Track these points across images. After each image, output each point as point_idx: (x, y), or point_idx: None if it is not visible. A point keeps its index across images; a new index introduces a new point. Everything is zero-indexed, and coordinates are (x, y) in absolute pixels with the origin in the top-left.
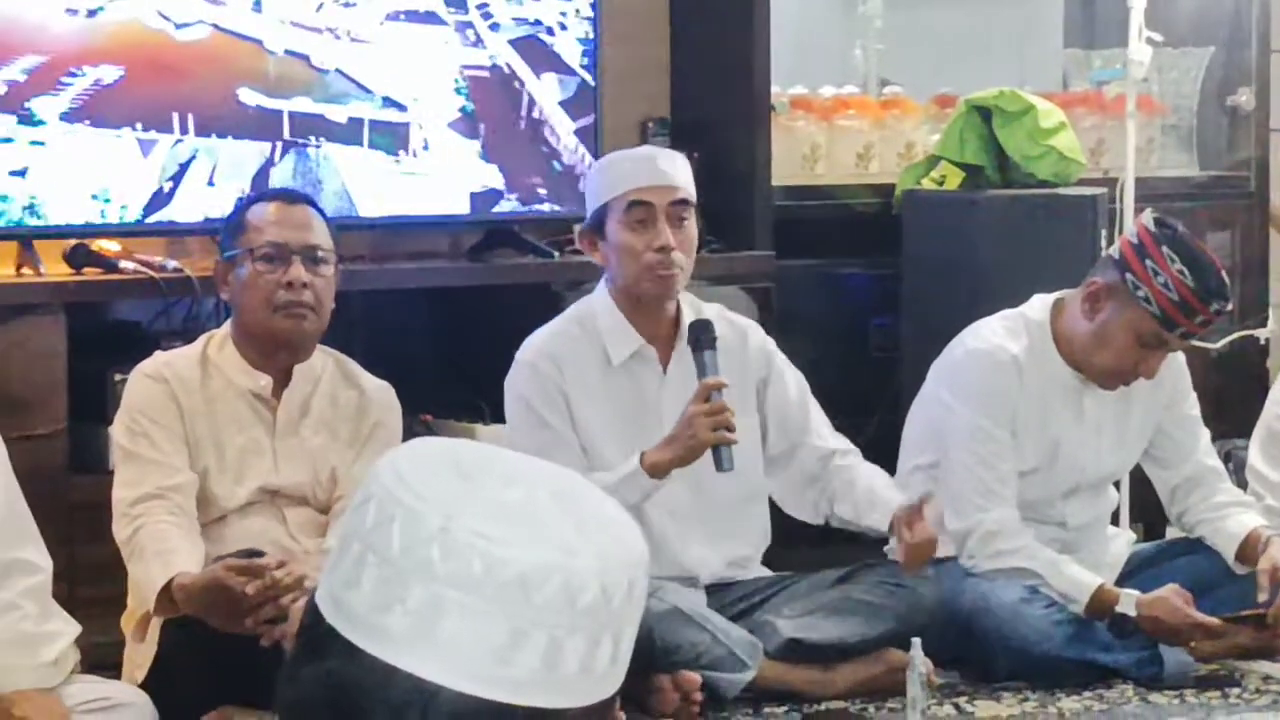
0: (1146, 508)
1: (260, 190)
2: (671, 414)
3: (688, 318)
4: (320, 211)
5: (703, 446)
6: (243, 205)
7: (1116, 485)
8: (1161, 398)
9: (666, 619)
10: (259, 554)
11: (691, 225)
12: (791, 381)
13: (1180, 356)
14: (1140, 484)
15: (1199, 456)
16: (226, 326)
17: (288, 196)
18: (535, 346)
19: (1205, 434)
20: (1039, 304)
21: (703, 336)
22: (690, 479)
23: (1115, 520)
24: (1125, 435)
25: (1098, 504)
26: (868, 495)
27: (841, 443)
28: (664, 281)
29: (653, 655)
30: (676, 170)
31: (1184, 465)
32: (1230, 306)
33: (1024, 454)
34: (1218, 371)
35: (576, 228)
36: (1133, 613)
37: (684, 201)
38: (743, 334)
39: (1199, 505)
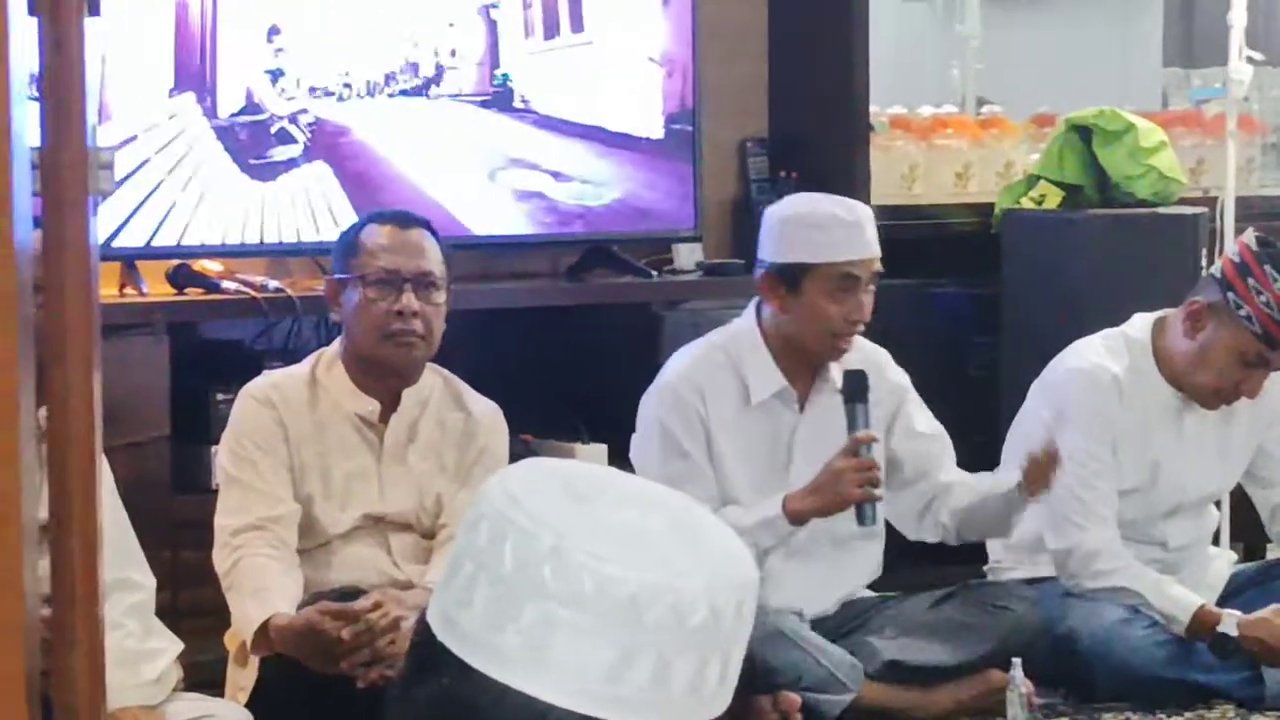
0: (1247, 528)
1: (373, 211)
2: (802, 455)
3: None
4: (435, 235)
5: (848, 502)
6: (357, 225)
7: (1217, 505)
8: (1264, 416)
9: (768, 641)
10: (356, 594)
11: (873, 291)
12: (921, 417)
13: None
14: (1241, 504)
15: None
16: (336, 345)
17: (402, 220)
18: (680, 372)
19: None
20: (1140, 323)
21: (857, 388)
22: (817, 520)
23: (1216, 540)
24: (1227, 455)
25: (1199, 524)
26: (976, 481)
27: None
28: (842, 350)
29: (754, 676)
30: (874, 236)
31: None
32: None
33: (1125, 474)
34: None
35: (757, 268)
36: (1235, 633)
37: (879, 271)
38: (877, 366)
39: None
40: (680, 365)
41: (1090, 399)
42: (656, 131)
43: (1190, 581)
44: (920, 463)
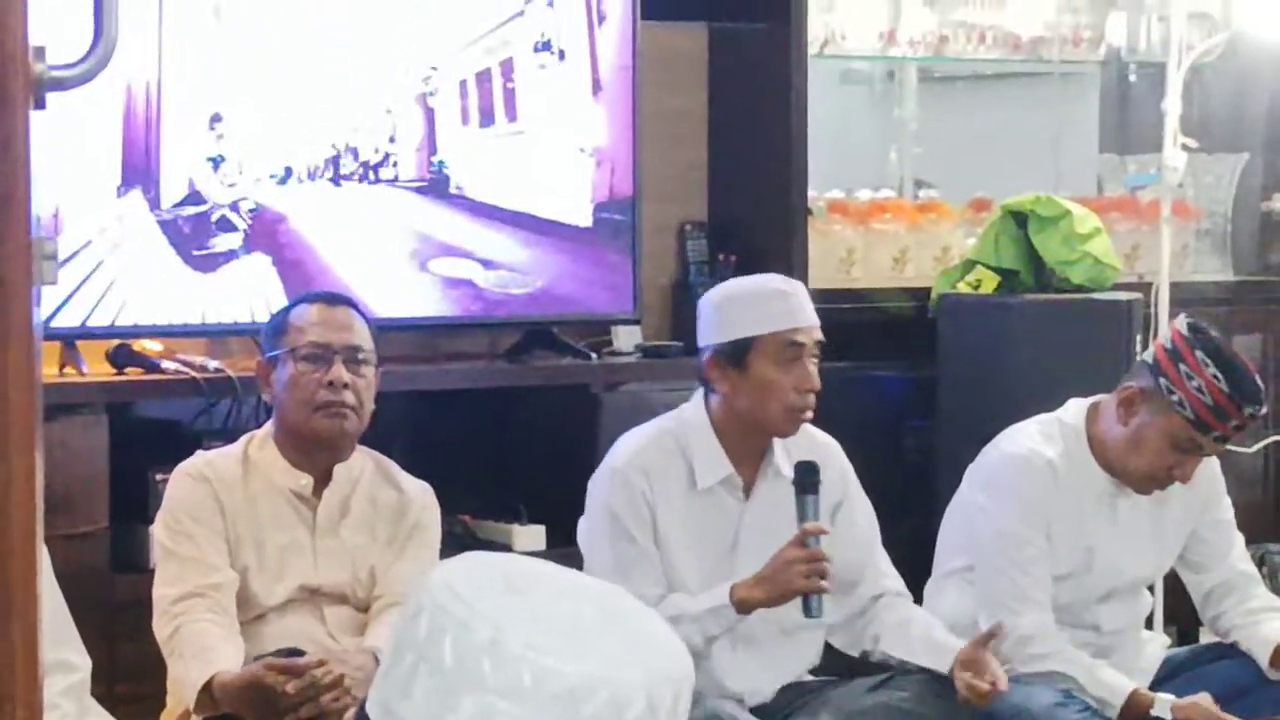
0: (1180, 612)
1: (303, 292)
2: (747, 543)
3: (776, 447)
4: (362, 313)
5: (795, 592)
6: (285, 307)
7: (1151, 589)
8: (1196, 502)
9: None
10: (299, 653)
11: (816, 364)
12: (862, 511)
13: (1214, 461)
14: (1174, 588)
15: (1233, 561)
16: (268, 427)
17: (330, 299)
18: (628, 456)
19: (1239, 539)
20: (1074, 409)
21: (808, 479)
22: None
23: (1150, 624)
24: (1161, 539)
25: (1133, 608)
26: (924, 637)
27: (898, 584)
28: (799, 422)
29: None
30: (812, 308)
31: (1218, 570)
32: (1265, 411)
33: (1059, 559)
34: (1251, 477)
35: (700, 355)
36: (1168, 717)
37: (821, 342)
38: (824, 454)
39: (1233, 610)
40: (628, 449)
41: (1025, 484)
42: (586, 219)
43: (1123, 665)
44: (857, 559)
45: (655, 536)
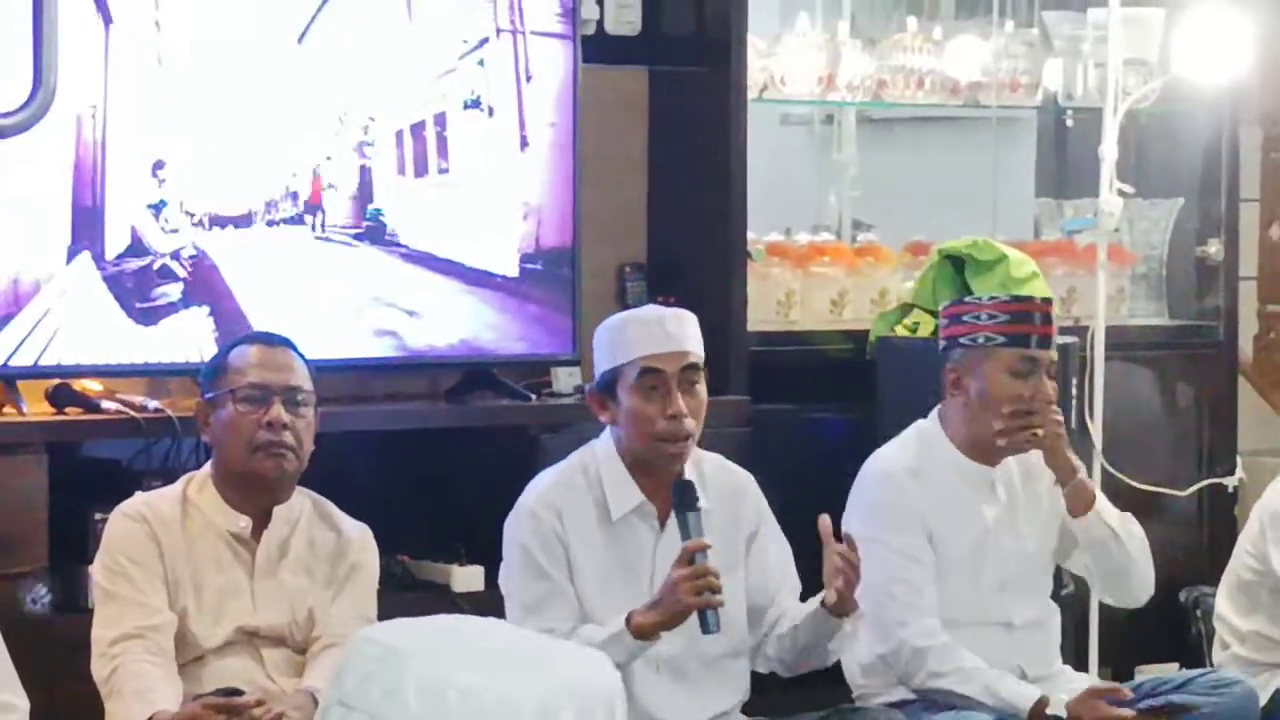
0: (1115, 651)
1: (242, 333)
2: (664, 569)
3: (689, 472)
4: (300, 355)
5: (687, 610)
6: (225, 348)
7: (1059, 585)
8: (1058, 501)
9: None
10: (238, 692)
11: (702, 388)
12: (774, 544)
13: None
14: (1109, 631)
15: None
16: (206, 468)
17: (268, 340)
18: (537, 494)
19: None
20: (928, 419)
21: (685, 497)
22: (680, 633)
23: (1085, 665)
24: (1038, 517)
25: (1036, 600)
26: (796, 606)
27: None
28: (674, 452)
29: None
30: (685, 333)
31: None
32: (1053, 296)
33: (949, 554)
34: (1186, 519)
35: (585, 386)
36: (1063, 714)
37: (694, 366)
38: (739, 487)
39: None
40: (538, 488)
41: (886, 494)
42: (513, 270)
43: (1040, 669)
44: (768, 590)
45: (570, 572)
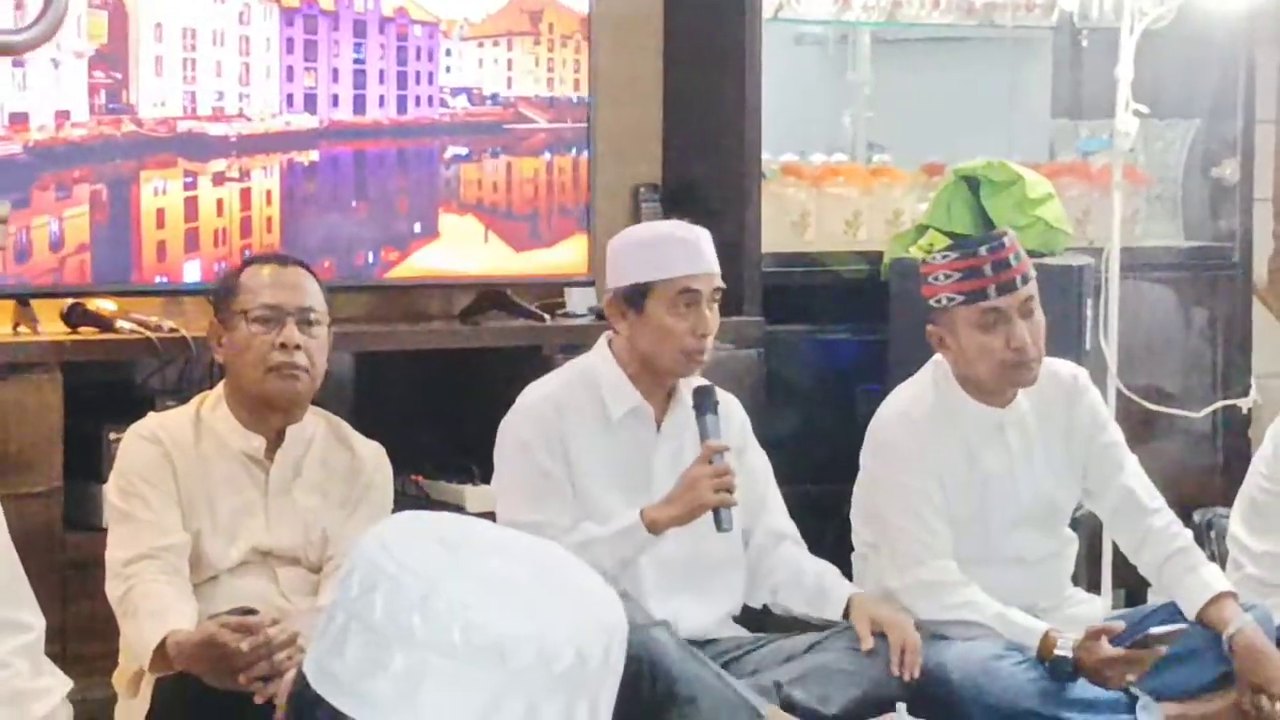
0: (1129, 573)
1: (255, 254)
2: (661, 471)
3: (681, 385)
4: (313, 274)
5: (704, 507)
6: (237, 267)
7: (1074, 528)
8: (1081, 434)
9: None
10: (253, 612)
11: (717, 308)
12: (758, 459)
13: (1093, 393)
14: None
15: (1123, 480)
16: (220, 388)
17: (281, 260)
18: (537, 392)
19: (1130, 459)
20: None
21: (706, 401)
22: (684, 535)
23: (1098, 587)
24: (1053, 464)
25: (1052, 539)
26: (817, 586)
27: (794, 531)
28: (694, 365)
29: (654, 681)
30: (713, 255)
31: (1112, 491)
32: (1008, 237)
33: (960, 498)
34: (1200, 440)
35: (605, 295)
36: (1069, 654)
37: (719, 288)
38: (726, 403)
39: (1152, 563)
40: (537, 388)
41: (902, 437)
42: None
43: (1051, 602)
44: (754, 502)
45: (570, 470)
